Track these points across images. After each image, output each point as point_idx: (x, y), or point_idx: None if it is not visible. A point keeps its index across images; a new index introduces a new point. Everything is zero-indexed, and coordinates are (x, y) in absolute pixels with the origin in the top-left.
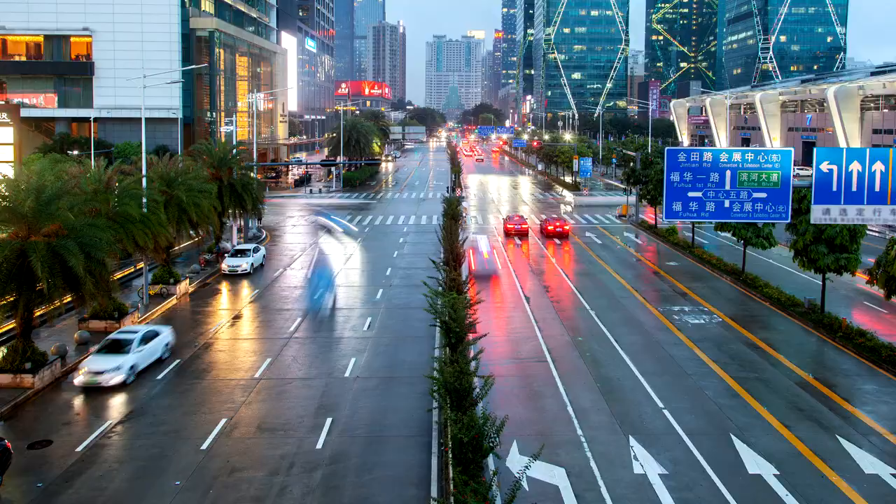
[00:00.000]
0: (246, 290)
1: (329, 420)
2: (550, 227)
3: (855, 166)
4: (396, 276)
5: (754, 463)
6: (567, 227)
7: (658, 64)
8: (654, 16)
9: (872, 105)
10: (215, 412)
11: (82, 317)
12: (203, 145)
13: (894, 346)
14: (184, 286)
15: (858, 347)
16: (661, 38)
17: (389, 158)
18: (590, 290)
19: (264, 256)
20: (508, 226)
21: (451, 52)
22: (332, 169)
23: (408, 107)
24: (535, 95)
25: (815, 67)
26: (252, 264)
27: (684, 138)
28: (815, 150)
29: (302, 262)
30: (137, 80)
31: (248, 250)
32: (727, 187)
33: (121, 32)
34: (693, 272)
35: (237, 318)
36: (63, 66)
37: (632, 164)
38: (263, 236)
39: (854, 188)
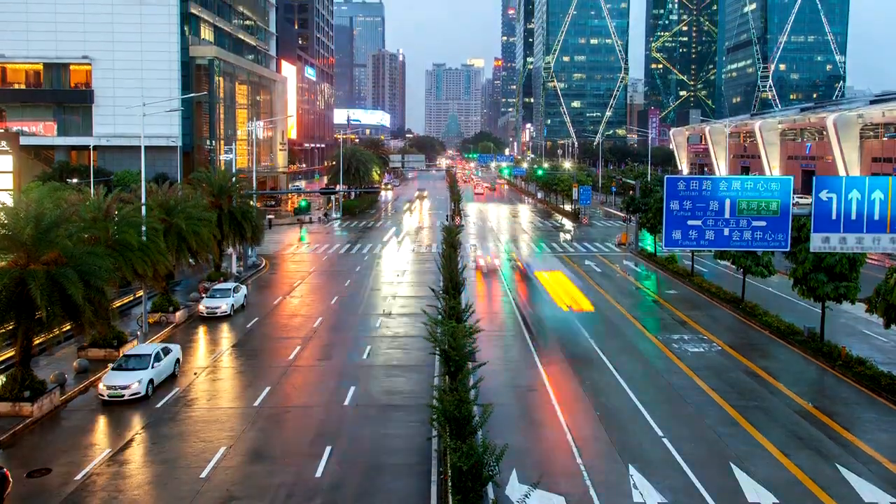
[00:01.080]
0: (245, 317)
1: (328, 448)
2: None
3: (854, 195)
4: (396, 304)
5: (754, 492)
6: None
7: (657, 92)
8: (653, 44)
9: (872, 133)
10: (214, 440)
11: (81, 345)
12: (202, 173)
13: (893, 375)
14: (182, 314)
15: (858, 376)
16: (660, 66)
17: (389, 187)
18: (588, 318)
19: (246, 296)
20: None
21: (451, 81)
22: (332, 197)
23: (407, 135)
24: (535, 123)
25: (815, 96)
26: (232, 305)
27: (684, 166)
28: (814, 178)
29: (301, 290)
30: (137, 109)
31: (228, 290)
32: (727, 216)
33: (120, 60)
34: (692, 300)
35: (235, 346)
36: (62, 94)
37: (631, 192)
38: (262, 265)
39: (853, 217)
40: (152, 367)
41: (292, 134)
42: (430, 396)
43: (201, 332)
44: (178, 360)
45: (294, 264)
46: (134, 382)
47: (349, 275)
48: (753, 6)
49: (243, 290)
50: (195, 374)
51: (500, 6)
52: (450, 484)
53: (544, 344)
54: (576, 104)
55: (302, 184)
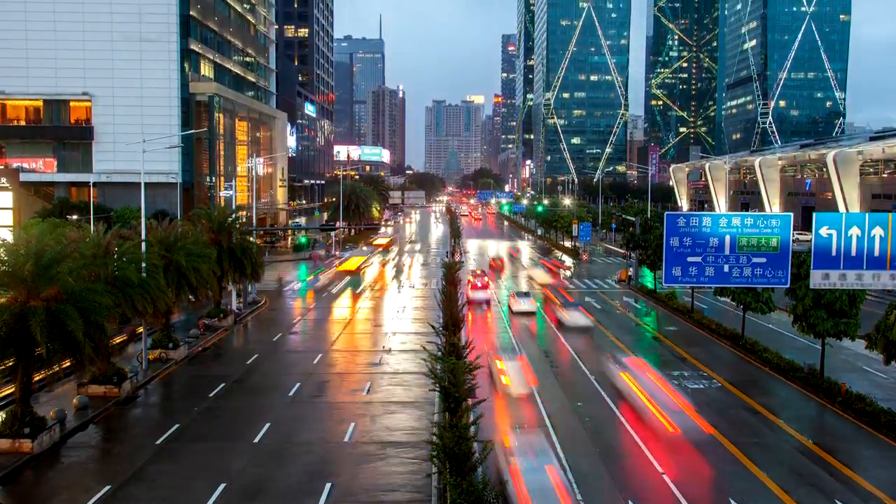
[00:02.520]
0: (245, 354)
1: (328, 485)
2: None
3: (854, 231)
4: (396, 340)
5: None
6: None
7: (657, 129)
8: (653, 81)
9: (872, 170)
10: (213, 477)
11: (81, 381)
12: (202, 210)
13: (894, 411)
14: (182, 351)
15: (858, 412)
16: (660, 102)
17: (389, 223)
18: (589, 355)
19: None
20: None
21: (451, 117)
22: (332, 233)
23: (407, 171)
24: (535, 160)
25: (815, 132)
26: None
27: (684, 203)
28: (814, 214)
29: (301, 327)
30: (137, 145)
31: None
32: (727, 252)
33: (120, 97)
34: (692, 337)
35: (236, 382)
36: (62, 130)
37: (631, 228)
38: (262, 301)
39: (853, 253)
40: None
41: (292, 170)
42: (430, 433)
43: (201, 368)
44: None
45: (294, 301)
46: None
47: (349, 311)
48: (753, 43)
49: None
50: (195, 409)
51: (500, 43)
52: None
53: (543, 381)
54: (576, 141)
55: (302, 220)
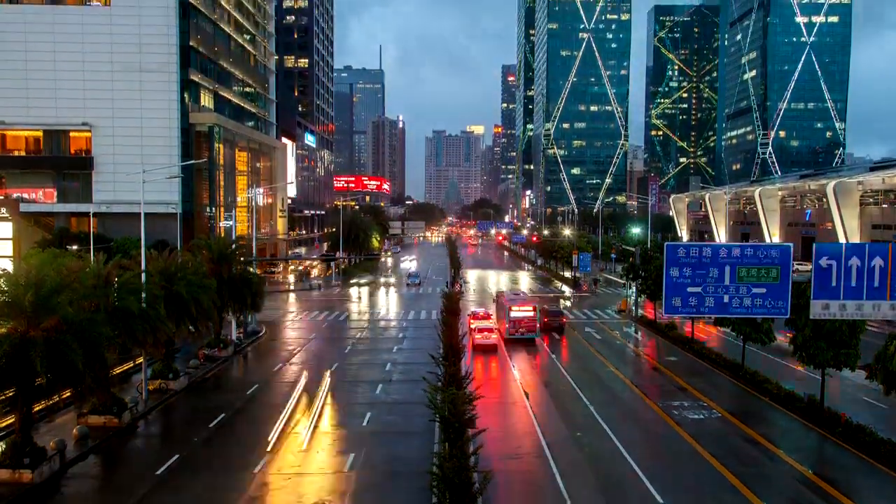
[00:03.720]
0: (245, 384)
1: None
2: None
3: (854, 261)
4: (396, 371)
5: None
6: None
7: (657, 159)
8: (653, 111)
9: (872, 200)
10: None
11: (81, 411)
12: (202, 240)
13: (894, 442)
14: (182, 381)
15: (858, 443)
16: (660, 133)
17: (389, 253)
18: (589, 386)
19: None
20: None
21: (451, 147)
22: (332, 264)
23: (407, 201)
24: (535, 190)
25: (815, 163)
26: None
27: (684, 233)
28: (814, 245)
29: (301, 357)
30: (137, 175)
31: None
32: (727, 282)
33: (120, 127)
34: (692, 367)
35: (237, 412)
36: (62, 160)
37: (631, 259)
38: (262, 332)
39: (853, 283)
40: None
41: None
42: (430, 463)
43: (201, 398)
44: None
45: (294, 331)
46: None
47: (349, 342)
48: (753, 73)
49: None
50: (195, 440)
51: (500, 73)
52: None
53: (543, 411)
54: (576, 171)
55: (302, 250)
